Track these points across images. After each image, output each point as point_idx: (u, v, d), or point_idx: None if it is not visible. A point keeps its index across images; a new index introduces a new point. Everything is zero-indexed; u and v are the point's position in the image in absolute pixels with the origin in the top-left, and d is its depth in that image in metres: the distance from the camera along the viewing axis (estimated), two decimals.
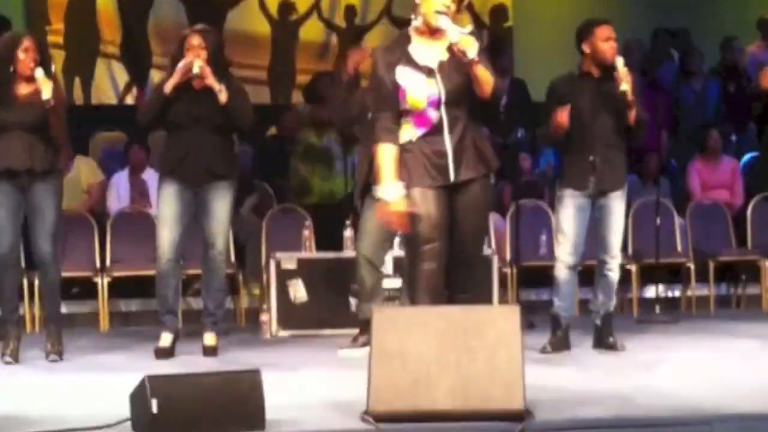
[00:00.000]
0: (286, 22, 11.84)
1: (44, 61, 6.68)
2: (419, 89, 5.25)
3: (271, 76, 11.77)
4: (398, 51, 5.31)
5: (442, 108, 5.24)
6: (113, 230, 8.94)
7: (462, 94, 5.25)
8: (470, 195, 5.31)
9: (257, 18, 11.81)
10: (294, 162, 9.87)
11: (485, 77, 5.22)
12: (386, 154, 5.25)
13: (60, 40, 11.33)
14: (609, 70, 6.72)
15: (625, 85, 6.58)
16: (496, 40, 11.43)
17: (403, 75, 5.27)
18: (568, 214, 6.81)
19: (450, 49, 5.21)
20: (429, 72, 5.26)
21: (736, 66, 11.13)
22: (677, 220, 9.58)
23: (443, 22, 5.22)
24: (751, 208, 9.68)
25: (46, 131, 6.63)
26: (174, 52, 7.01)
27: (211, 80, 6.81)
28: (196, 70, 6.78)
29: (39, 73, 6.56)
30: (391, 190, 5.22)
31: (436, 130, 5.25)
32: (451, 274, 5.32)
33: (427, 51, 5.29)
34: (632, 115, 6.69)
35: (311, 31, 11.87)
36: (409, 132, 5.29)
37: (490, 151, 5.37)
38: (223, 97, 6.82)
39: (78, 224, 8.83)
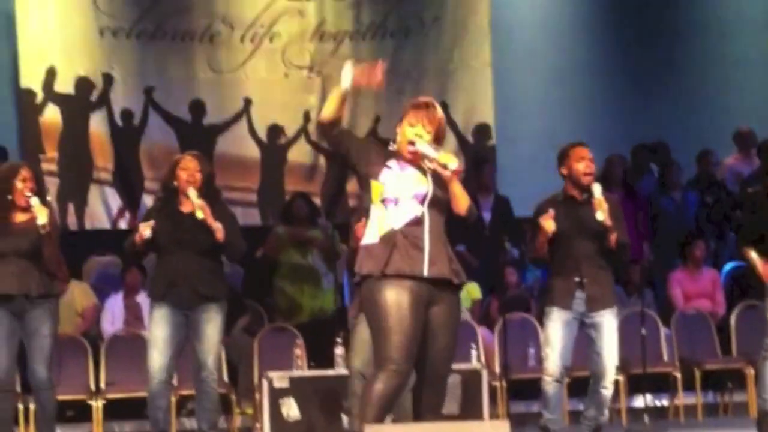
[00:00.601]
0: (274, 146, 12.06)
1: (39, 190, 6.86)
2: (406, 181, 5.34)
3: (261, 198, 11.94)
4: (391, 155, 5.43)
5: (425, 206, 5.33)
6: (108, 353, 9.06)
7: (444, 205, 5.37)
8: (443, 312, 5.33)
9: (247, 142, 12.00)
10: (280, 283, 9.94)
11: (462, 194, 5.37)
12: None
13: (54, 167, 11.50)
14: (590, 192, 6.90)
15: (601, 214, 6.75)
16: (480, 158, 11.71)
17: (395, 167, 5.37)
18: (555, 329, 6.93)
19: (430, 167, 5.33)
20: (421, 171, 5.38)
21: (713, 177, 11.38)
22: (662, 330, 9.72)
23: (419, 146, 5.32)
24: (735, 316, 9.82)
25: (41, 257, 6.78)
26: (165, 176, 7.16)
27: (210, 220, 6.92)
28: (193, 199, 6.88)
29: (35, 200, 6.73)
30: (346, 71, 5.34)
31: (417, 223, 5.31)
32: (420, 393, 5.33)
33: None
34: (612, 239, 6.85)
35: (299, 153, 12.09)
36: (391, 220, 5.32)
37: (460, 267, 5.42)
38: (219, 235, 6.93)
39: (72, 347, 8.95)
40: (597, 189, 6.82)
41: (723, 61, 12.65)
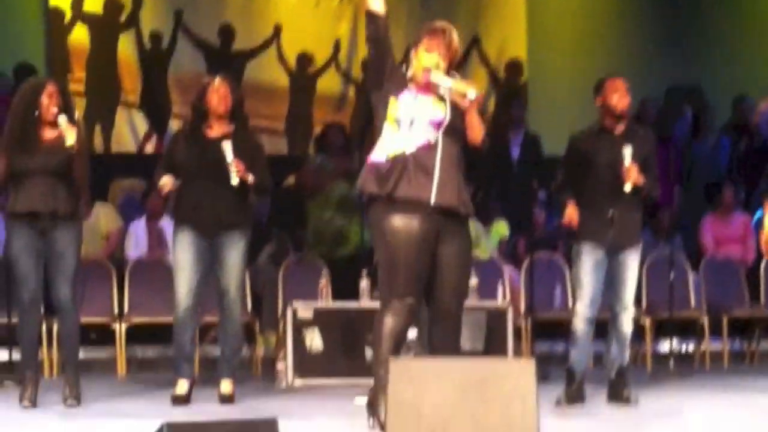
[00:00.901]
0: (304, 74, 11.97)
1: (67, 108, 6.74)
2: (423, 105, 5.25)
3: (288, 127, 11.89)
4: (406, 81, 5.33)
5: (440, 132, 5.25)
6: (131, 277, 9.03)
7: (460, 134, 5.28)
8: (453, 247, 5.26)
9: (276, 70, 11.94)
10: (326, 213, 9.76)
11: (478, 124, 5.28)
12: None
13: (81, 88, 11.45)
14: (628, 124, 6.80)
15: (629, 186, 6.66)
16: (511, 94, 11.59)
17: (411, 91, 5.29)
18: (587, 268, 6.84)
19: (448, 96, 5.24)
20: (439, 97, 5.28)
21: (747, 123, 11.23)
22: (691, 275, 9.64)
23: (433, 76, 5.24)
24: (765, 264, 9.74)
25: (69, 176, 6.67)
26: (195, 99, 7.04)
27: (249, 178, 6.83)
28: (234, 178, 6.78)
29: (62, 119, 6.62)
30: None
31: (429, 148, 5.23)
32: (434, 330, 5.29)
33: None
34: (643, 193, 6.78)
35: (328, 82, 12.01)
36: (402, 143, 5.24)
37: (468, 198, 5.35)
38: (252, 189, 6.89)
39: (97, 271, 8.92)
40: (627, 154, 6.69)
41: (761, 9, 12.44)
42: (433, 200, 5.19)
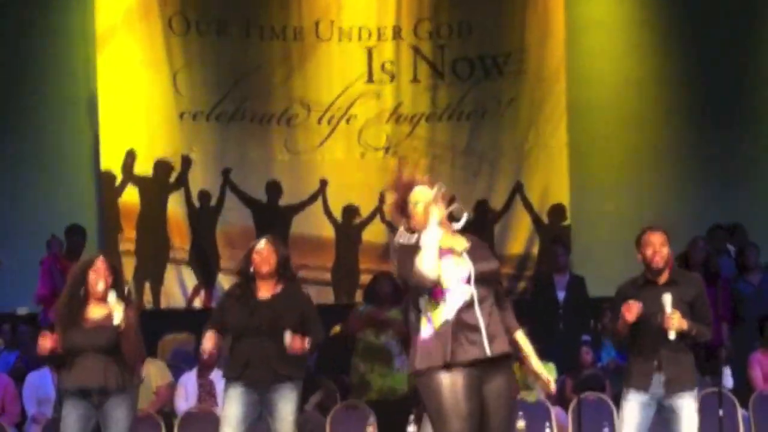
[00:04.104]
0: (350, 225, 12.15)
1: (117, 283, 6.87)
2: (449, 269, 5.37)
3: (335, 277, 12.04)
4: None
5: (472, 284, 5.37)
6: (181, 429, 9.08)
7: (491, 276, 5.42)
8: (499, 384, 5.35)
9: (322, 222, 12.13)
10: (354, 360, 9.95)
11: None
12: None
13: (132, 247, 11.70)
14: (671, 272, 6.85)
15: (673, 333, 6.67)
16: (554, 238, 11.67)
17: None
18: (632, 411, 6.82)
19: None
20: (457, 253, 5.42)
21: None
22: (740, 411, 9.54)
23: (432, 220, 5.37)
24: None
25: (119, 352, 6.79)
26: (241, 263, 7.17)
27: (298, 346, 6.97)
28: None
29: (111, 297, 6.74)
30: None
31: (467, 306, 5.36)
32: None
33: (446, 239, 5.41)
34: (690, 339, 6.78)
35: (374, 233, 12.16)
36: (444, 312, 5.38)
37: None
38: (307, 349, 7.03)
39: (146, 425, 8.96)
40: (667, 302, 6.72)
41: None
42: (488, 353, 5.32)
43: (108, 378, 6.76)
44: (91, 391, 6.78)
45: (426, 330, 5.39)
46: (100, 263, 6.85)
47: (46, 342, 6.83)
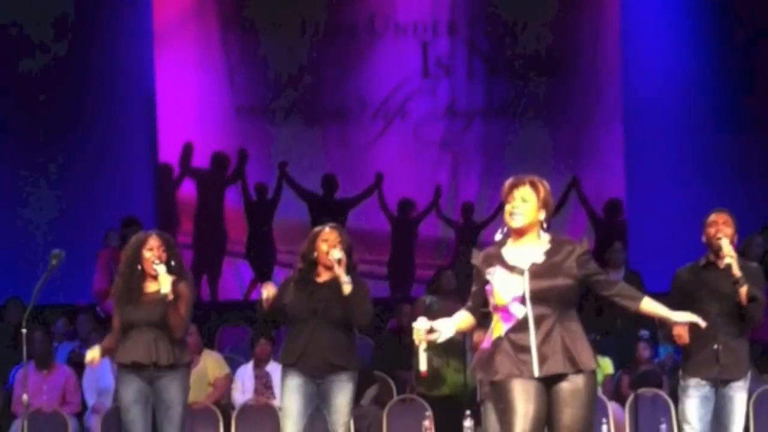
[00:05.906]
0: (405, 220, 12.19)
1: (172, 258, 6.91)
2: (505, 287, 5.34)
3: (391, 271, 12.09)
4: (495, 253, 5.43)
5: (528, 305, 5.30)
6: (238, 422, 9.15)
7: (552, 294, 5.29)
8: (564, 388, 5.28)
9: (377, 216, 12.17)
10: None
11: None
12: (456, 314, 5.47)
13: (189, 240, 11.80)
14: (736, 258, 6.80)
15: (729, 259, 6.64)
16: (610, 234, 11.65)
17: (495, 274, 5.37)
18: (693, 405, 6.76)
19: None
20: (518, 271, 5.33)
21: None
22: None
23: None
24: None
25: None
26: (305, 248, 7.09)
27: (341, 270, 6.95)
28: (337, 255, 6.92)
29: (160, 269, 6.79)
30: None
31: (521, 326, 5.29)
32: None
33: (519, 253, 5.37)
34: (743, 292, 6.72)
35: (429, 227, 12.20)
36: (499, 328, 5.36)
37: (586, 351, 5.30)
38: (347, 288, 6.91)
39: (203, 417, 9.06)
40: (725, 244, 6.69)
41: None
42: (536, 374, 5.26)
43: (159, 353, 6.83)
44: (143, 365, 6.84)
45: (487, 340, 5.43)
46: (153, 240, 6.91)
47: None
